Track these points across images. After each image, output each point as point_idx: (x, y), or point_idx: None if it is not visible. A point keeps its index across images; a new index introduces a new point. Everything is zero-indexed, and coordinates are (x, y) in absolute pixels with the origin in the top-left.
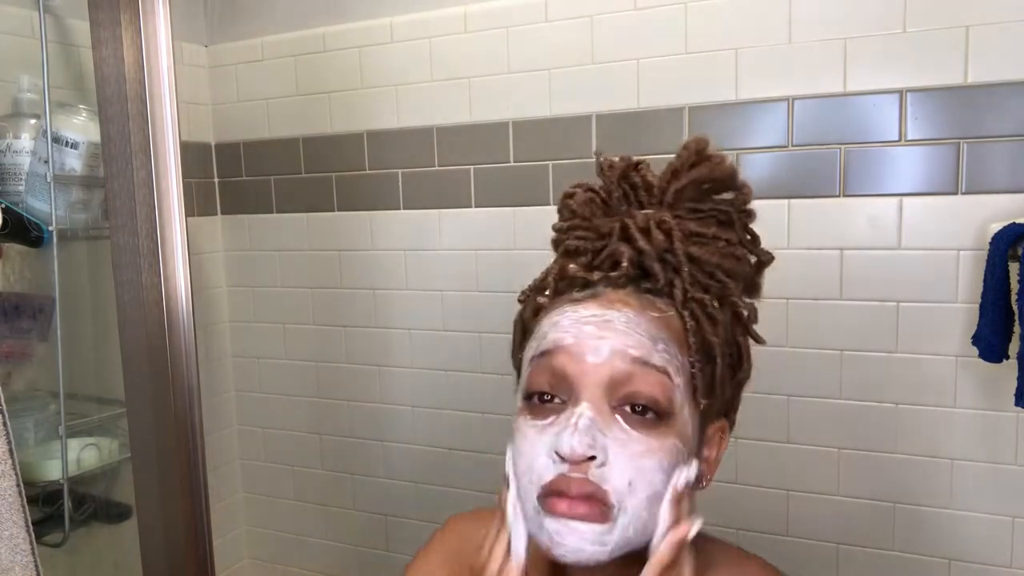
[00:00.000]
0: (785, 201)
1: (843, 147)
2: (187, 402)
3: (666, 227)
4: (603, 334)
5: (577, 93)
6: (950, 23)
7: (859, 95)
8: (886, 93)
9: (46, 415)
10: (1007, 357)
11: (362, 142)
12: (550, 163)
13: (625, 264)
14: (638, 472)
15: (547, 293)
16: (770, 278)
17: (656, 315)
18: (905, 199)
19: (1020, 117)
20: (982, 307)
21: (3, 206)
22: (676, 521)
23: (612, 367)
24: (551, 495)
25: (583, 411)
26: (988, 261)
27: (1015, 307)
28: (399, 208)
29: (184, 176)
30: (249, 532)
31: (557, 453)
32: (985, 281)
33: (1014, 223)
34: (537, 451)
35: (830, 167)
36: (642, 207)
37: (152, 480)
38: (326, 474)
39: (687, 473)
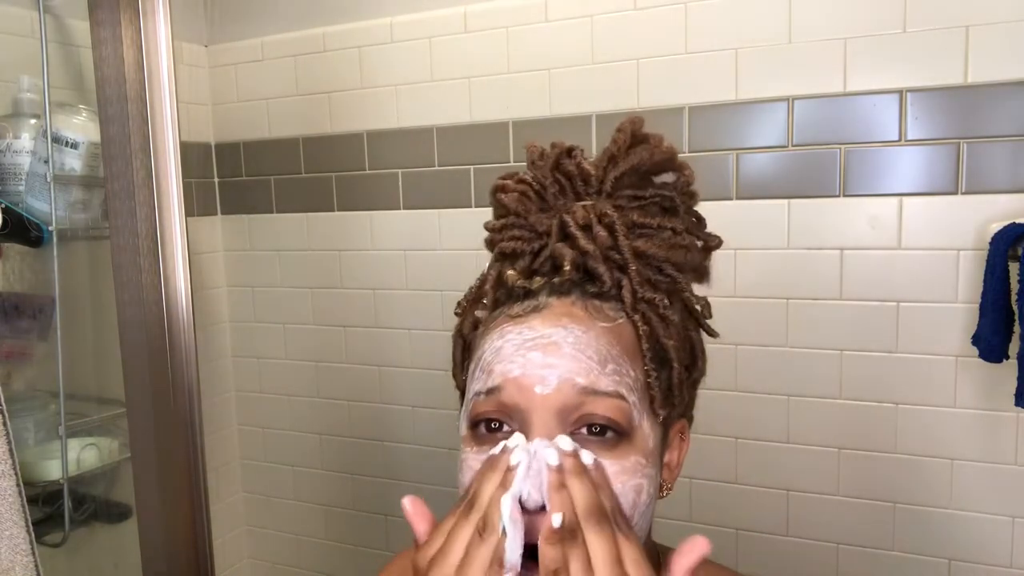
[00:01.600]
0: (785, 201)
1: (843, 147)
2: (187, 402)
3: (608, 221)
4: (549, 361)
5: (577, 93)
6: (950, 23)
7: (859, 95)
8: (886, 93)
9: (46, 415)
10: (1007, 357)
11: (362, 142)
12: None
13: (568, 267)
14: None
15: (486, 303)
16: (770, 278)
17: (606, 325)
18: (905, 199)
19: (1020, 117)
20: (982, 307)
21: (3, 206)
22: None
23: (562, 396)
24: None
25: (535, 450)
26: (988, 261)
27: (1015, 307)
28: (399, 208)
29: (184, 176)
30: (249, 532)
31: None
32: (985, 281)
33: (1014, 223)
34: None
35: (830, 167)
36: (579, 198)
37: (152, 480)
38: (326, 474)
39: (560, 446)
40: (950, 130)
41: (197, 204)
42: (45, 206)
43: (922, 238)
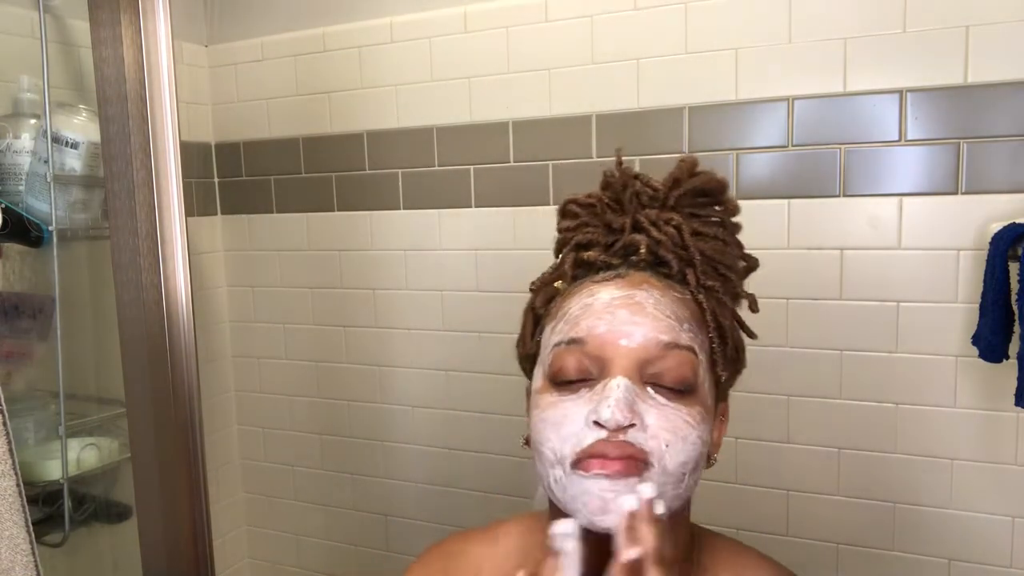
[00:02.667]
0: (785, 201)
1: (843, 147)
2: (187, 402)
3: (675, 223)
4: (635, 319)
5: (577, 93)
6: (950, 23)
7: (859, 95)
8: (886, 93)
9: (46, 415)
10: (1007, 357)
11: (362, 142)
12: (550, 163)
13: (643, 250)
14: (673, 434)
15: (564, 280)
16: (770, 278)
17: (678, 295)
18: (905, 199)
19: (1020, 117)
20: (982, 307)
21: (3, 206)
22: None
23: (645, 350)
24: (589, 458)
25: (619, 382)
26: (988, 261)
27: (1015, 307)
28: (399, 208)
29: (184, 176)
30: (249, 532)
31: (596, 422)
32: (985, 281)
33: (1014, 223)
34: (572, 418)
35: (830, 167)
36: (645, 209)
37: (152, 480)
38: (326, 474)
39: (643, 494)
40: (950, 130)
41: (197, 204)
42: (45, 206)
43: (922, 238)
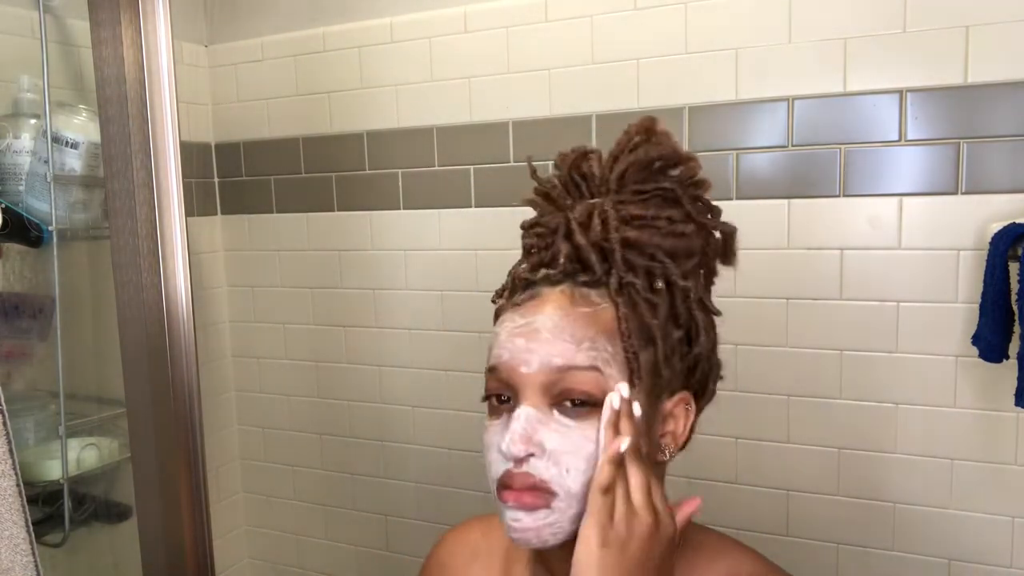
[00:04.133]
0: (785, 201)
1: (843, 147)
2: (187, 402)
3: (603, 215)
4: (531, 346)
5: (577, 93)
6: (950, 23)
7: (859, 95)
8: (886, 93)
9: (46, 415)
10: (1007, 357)
11: (362, 142)
12: (550, 163)
13: (562, 261)
14: (574, 456)
15: (504, 295)
16: (770, 278)
17: (585, 310)
18: (905, 199)
19: (1020, 117)
20: (982, 307)
21: (3, 206)
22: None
23: (543, 375)
24: (502, 488)
25: (520, 413)
26: (988, 261)
27: (1015, 307)
28: (399, 208)
29: (184, 176)
30: (249, 532)
31: (499, 451)
32: (985, 281)
33: (1014, 223)
34: (491, 448)
35: (830, 167)
36: (593, 196)
37: (152, 480)
38: (326, 474)
39: (622, 393)
40: (950, 130)
41: (197, 204)
42: (45, 206)
43: (922, 238)
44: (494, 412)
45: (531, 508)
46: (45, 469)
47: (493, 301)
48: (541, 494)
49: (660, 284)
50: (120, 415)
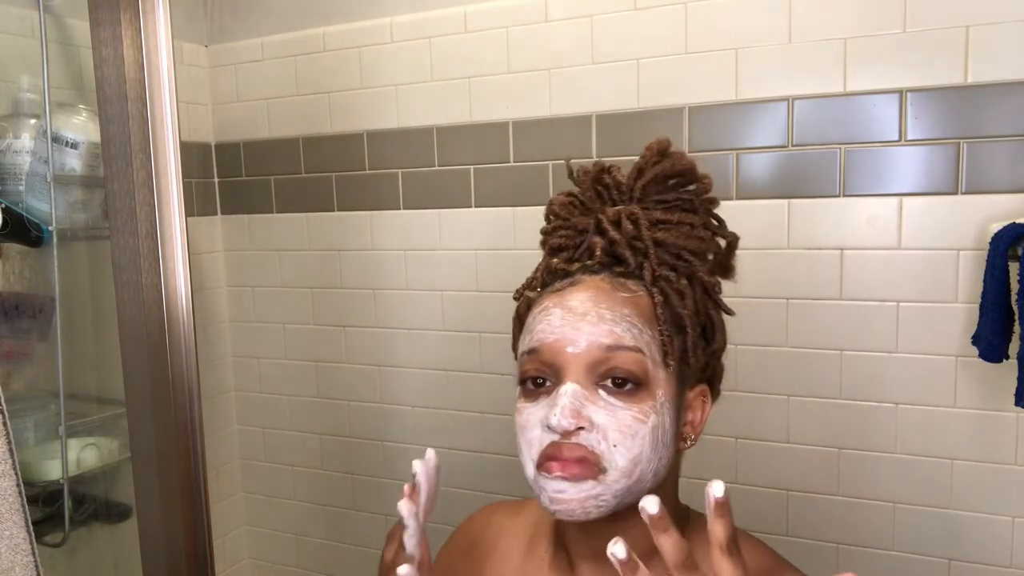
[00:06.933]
0: (785, 201)
1: (843, 147)
2: (187, 402)
3: (634, 217)
4: (578, 326)
5: (577, 93)
6: (950, 23)
7: (859, 95)
8: (886, 93)
9: (46, 415)
10: (1007, 357)
11: (362, 142)
12: (550, 163)
13: (598, 253)
14: (621, 433)
15: (536, 288)
16: (770, 278)
17: (625, 295)
18: (905, 199)
19: (1020, 117)
20: (982, 307)
21: (3, 206)
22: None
23: (590, 355)
24: (547, 460)
25: (567, 388)
26: (988, 261)
27: (1015, 307)
28: (399, 208)
29: (184, 176)
30: (249, 532)
31: (548, 426)
32: (985, 281)
33: (1014, 223)
34: (531, 426)
35: (830, 167)
36: (615, 204)
37: (152, 480)
38: (326, 474)
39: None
40: (950, 130)
41: (197, 204)
42: (45, 206)
43: (922, 238)
44: (529, 395)
45: (578, 479)
46: (45, 469)
47: (518, 296)
48: (590, 466)
49: (685, 281)
50: (120, 415)
